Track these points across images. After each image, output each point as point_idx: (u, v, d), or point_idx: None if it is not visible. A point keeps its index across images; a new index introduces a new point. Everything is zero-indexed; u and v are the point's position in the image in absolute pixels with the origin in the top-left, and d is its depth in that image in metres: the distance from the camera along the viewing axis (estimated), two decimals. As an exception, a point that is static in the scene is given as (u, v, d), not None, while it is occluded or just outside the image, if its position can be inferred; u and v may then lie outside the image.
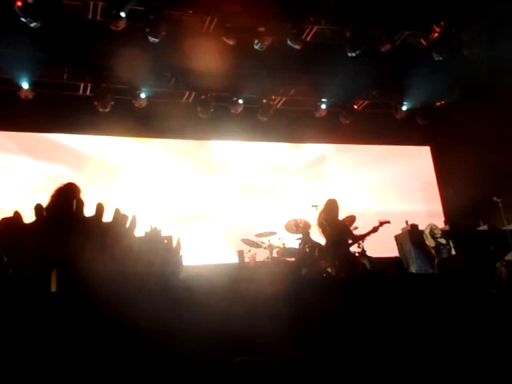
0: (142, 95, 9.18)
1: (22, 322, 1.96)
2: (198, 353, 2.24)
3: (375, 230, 6.49)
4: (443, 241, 7.75)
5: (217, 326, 2.44)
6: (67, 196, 3.48)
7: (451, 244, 7.73)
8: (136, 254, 2.82)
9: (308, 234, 7.81)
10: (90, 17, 7.71)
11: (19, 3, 6.96)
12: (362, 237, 6.62)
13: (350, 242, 6.50)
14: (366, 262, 7.04)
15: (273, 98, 10.06)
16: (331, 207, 6.51)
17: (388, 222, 6.70)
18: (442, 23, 8.53)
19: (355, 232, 7.07)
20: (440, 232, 7.83)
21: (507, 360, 3.08)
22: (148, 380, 2.06)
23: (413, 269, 8.18)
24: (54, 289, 2.56)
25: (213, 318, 2.46)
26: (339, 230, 6.43)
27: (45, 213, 3.15)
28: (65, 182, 3.71)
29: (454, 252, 7.69)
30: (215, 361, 2.20)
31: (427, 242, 7.85)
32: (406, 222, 8.63)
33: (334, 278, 6.14)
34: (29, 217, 3.28)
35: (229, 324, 2.56)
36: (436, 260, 7.73)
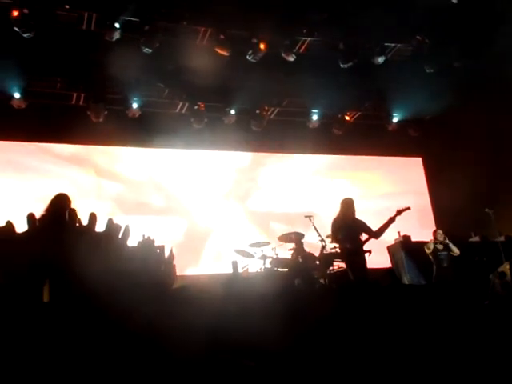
0: (135, 105, 9.19)
1: (15, 331, 1.95)
2: (192, 351, 2.25)
3: (392, 220, 6.30)
4: (440, 247, 7.70)
5: (207, 334, 2.44)
6: (59, 206, 3.48)
7: (453, 249, 7.69)
8: (129, 263, 2.81)
9: (301, 244, 7.81)
10: (84, 27, 7.74)
11: (15, 13, 6.96)
12: (382, 230, 6.29)
13: (367, 237, 6.26)
14: None
15: (266, 108, 10.10)
16: (347, 206, 6.40)
17: (408, 209, 6.48)
18: (432, 36, 8.64)
19: None
20: (442, 238, 7.77)
21: (501, 370, 3.08)
22: (144, 377, 2.05)
23: (405, 280, 8.18)
24: (46, 299, 2.54)
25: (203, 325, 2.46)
26: (354, 227, 6.28)
27: (37, 222, 3.13)
28: (57, 191, 3.71)
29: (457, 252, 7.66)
30: (208, 359, 2.21)
31: (426, 250, 7.82)
32: (399, 233, 8.65)
33: (327, 289, 6.12)
34: (21, 226, 3.26)
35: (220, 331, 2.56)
36: (435, 268, 7.67)
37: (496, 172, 9.36)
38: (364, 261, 6.20)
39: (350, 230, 6.23)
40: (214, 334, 2.46)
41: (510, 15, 7.63)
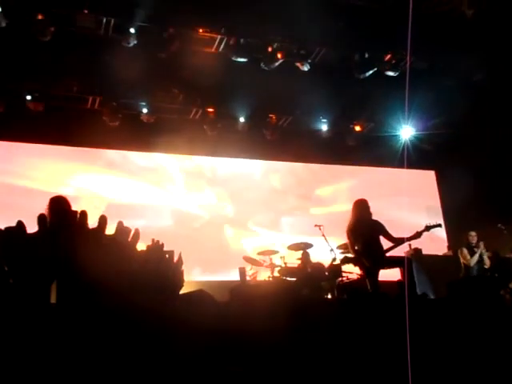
0: (147, 110, 9.24)
1: (22, 332, 1.96)
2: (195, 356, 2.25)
3: (419, 234, 5.82)
4: (476, 256, 7.26)
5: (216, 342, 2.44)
6: (63, 208, 3.52)
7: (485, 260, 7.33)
8: (138, 267, 2.82)
9: (308, 254, 7.75)
10: (101, 33, 7.82)
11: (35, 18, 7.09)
12: (404, 240, 5.94)
13: (391, 246, 5.84)
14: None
15: (279, 117, 10.11)
16: (361, 208, 5.94)
17: (439, 226, 6.03)
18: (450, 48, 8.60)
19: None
20: (475, 241, 7.29)
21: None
22: (146, 378, 2.05)
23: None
24: (53, 300, 2.55)
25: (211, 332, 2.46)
26: (372, 230, 5.82)
27: (48, 224, 3.15)
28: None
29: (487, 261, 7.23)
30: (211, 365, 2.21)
31: (462, 259, 7.33)
32: (410, 246, 8.56)
33: (335, 300, 6.06)
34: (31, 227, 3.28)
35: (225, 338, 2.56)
36: (462, 275, 7.22)
37: (511, 187, 9.26)
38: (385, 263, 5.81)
39: (368, 238, 5.76)
40: (219, 339, 2.46)
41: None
